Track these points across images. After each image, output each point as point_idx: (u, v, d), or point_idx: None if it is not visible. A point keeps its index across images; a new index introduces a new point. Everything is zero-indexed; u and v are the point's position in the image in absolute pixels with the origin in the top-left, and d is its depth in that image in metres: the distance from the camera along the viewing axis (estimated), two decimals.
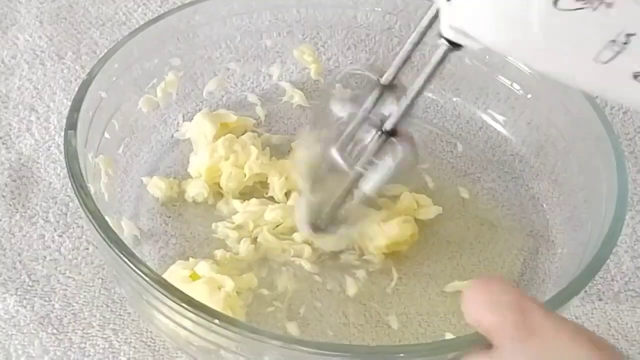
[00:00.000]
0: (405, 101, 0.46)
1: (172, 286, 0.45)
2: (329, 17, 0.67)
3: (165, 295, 0.44)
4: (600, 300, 0.58)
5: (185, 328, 0.46)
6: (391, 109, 0.49)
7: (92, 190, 0.52)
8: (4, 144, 0.64)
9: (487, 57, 0.64)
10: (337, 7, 0.66)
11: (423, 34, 0.47)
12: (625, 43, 0.36)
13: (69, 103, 0.66)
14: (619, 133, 0.66)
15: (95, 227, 0.47)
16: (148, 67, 0.61)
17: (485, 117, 0.66)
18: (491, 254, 0.59)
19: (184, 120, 0.64)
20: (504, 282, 0.40)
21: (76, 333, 0.54)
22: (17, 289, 0.56)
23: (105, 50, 0.71)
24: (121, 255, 0.46)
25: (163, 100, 0.63)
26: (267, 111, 0.67)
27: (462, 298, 0.40)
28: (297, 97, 0.67)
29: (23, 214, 0.60)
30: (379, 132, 0.48)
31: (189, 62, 0.64)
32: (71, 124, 0.53)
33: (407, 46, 0.48)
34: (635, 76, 0.38)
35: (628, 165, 0.64)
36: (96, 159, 0.56)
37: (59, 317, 0.54)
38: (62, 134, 0.64)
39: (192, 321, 0.44)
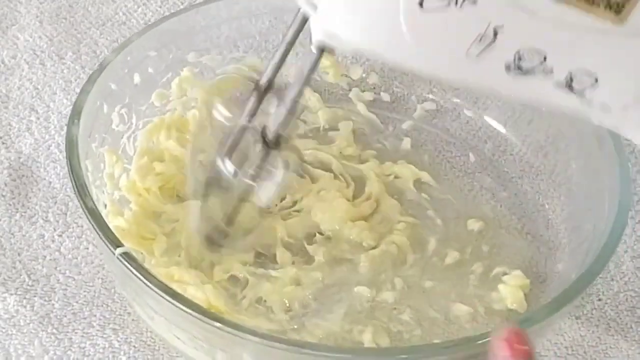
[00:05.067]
0: (283, 110, 0.46)
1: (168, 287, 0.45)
2: None
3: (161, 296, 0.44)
4: (599, 300, 0.58)
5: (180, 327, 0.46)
6: (273, 113, 0.48)
7: (91, 179, 0.52)
8: (3, 143, 0.64)
9: None
10: None
11: (298, 31, 0.47)
12: (494, 36, 0.36)
13: (69, 103, 0.67)
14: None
15: (91, 223, 0.48)
16: (163, 61, 0.61)
17: (486, 118, 0.66)
18: (494, 258, 0.58)
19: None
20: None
21: (76, 333, 0.54)
22: (17, 288, 0.56)
23: (106, 49, 0.71)
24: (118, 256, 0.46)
25: (177, 94, 0.62)
26: None
27: None
28: (314, 100, 0.66)
29: (23, 213, 0.60)
30: (261, 143, 0.48)
31: (205, 58, 0.63)
32: (75, 114, 0.53)
33: (283, 46, 0.48)
34: (507, 67, 0.37)
35: (628, 164, 0.63)
36: (101, 149, 0.56)
37: (59, 317, 0.54)
38: (62, 133, 0.65)
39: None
